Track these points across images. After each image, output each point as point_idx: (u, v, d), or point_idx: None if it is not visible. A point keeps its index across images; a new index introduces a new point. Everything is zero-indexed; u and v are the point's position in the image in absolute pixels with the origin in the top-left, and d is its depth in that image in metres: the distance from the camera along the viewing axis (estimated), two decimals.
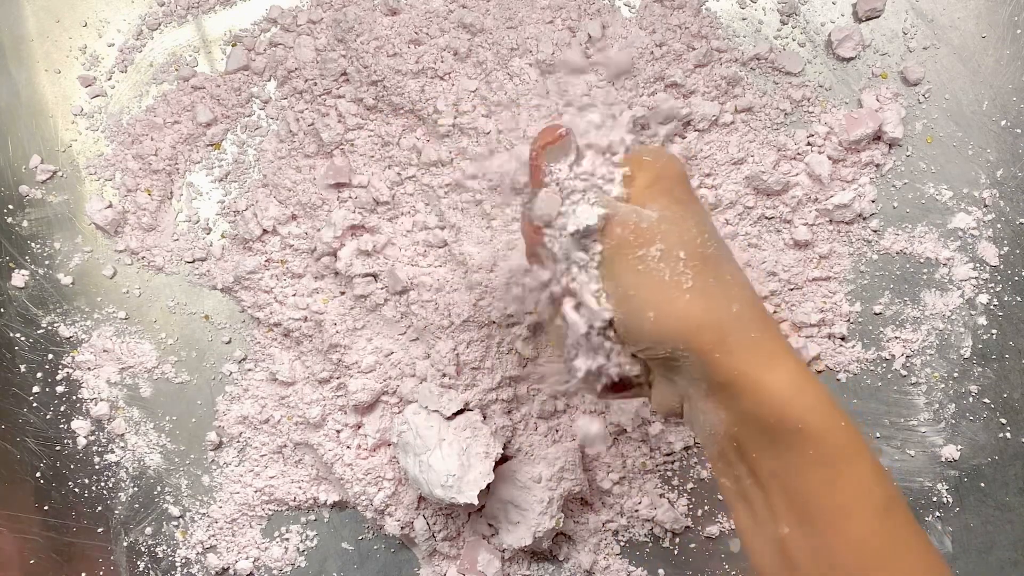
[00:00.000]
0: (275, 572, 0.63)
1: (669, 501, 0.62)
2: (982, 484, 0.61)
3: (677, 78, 0.59)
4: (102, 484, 0.63)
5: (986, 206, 0.61)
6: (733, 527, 0.62)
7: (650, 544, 0.63)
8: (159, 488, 0.63)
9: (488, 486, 0.57)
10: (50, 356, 0.64)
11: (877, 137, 0.61)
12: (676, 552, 0.63)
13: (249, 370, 0.63)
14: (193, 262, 0.64)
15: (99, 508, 0.63)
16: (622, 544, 0.62)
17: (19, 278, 0.64)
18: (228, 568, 0.63)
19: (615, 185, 0.45)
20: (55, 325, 0.64)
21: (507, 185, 0.51)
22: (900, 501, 0.42)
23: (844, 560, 0.41)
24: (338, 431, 0.61)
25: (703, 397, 0.44)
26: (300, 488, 0.63)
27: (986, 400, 0.61)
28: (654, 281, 0.43)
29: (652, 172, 0.45)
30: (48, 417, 0.63)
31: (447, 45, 0.59)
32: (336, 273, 0.60)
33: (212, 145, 0.64)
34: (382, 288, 0.59)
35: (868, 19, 0.62)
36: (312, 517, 0.63)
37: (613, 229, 0.43)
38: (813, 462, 0.41)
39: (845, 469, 0.41)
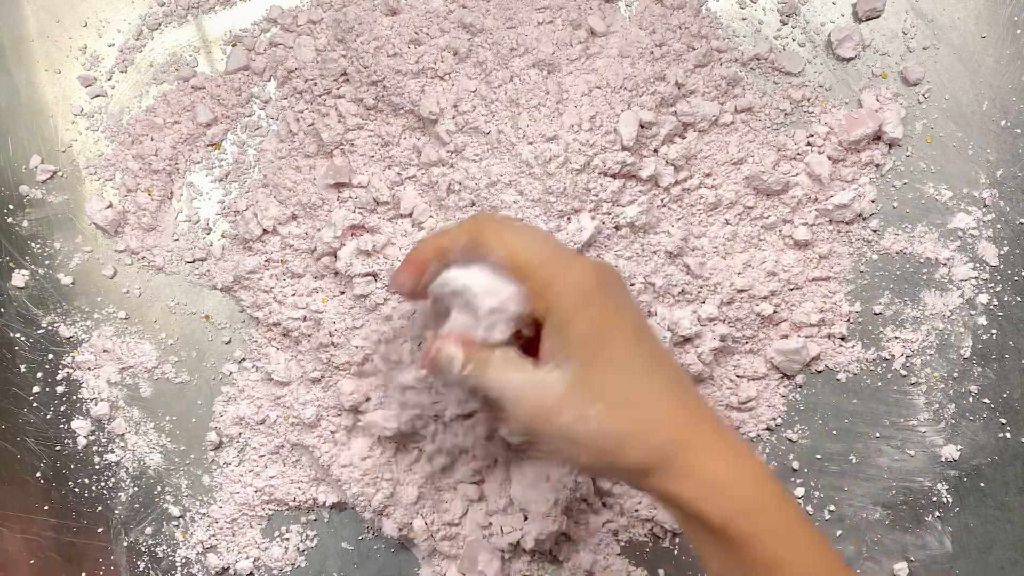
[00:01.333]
0: (275, 572, 0.63)
1: None
2: (982, 484, 0.61)
3: (678, 78, 0.59)
4: (102, 484, 0.63)
5: (986, 206, 0.61)
6: None
7: (650, 544, 0.63)
8: (159, 488, 0.63)
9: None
10: (50, 356, 0.64)
11: (877, 137, 0.61)
12: (676, 552, 0.63)
13: (247, 370, 0.63)
14: (193, 262, 0.64)
15: (99, 508, 0.63)
16: (622, 544, 0.62)
17: (19, 278, 0.64)
18: (228, 568, 0.63)
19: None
20: (55, 325, 0.64)
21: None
22: None
23: None
24: (332, 431, 0.61)
25: (656, 500, 0.47)
26: (299, 488, 0.63)
27: (986, 400, 0.61)
28: (575, 440, 0.44)
29: (559, 298, 0.44)
30: (48, 417, 0.63)
31: (447, 45, 0.59)
32: (336, 273, 0.60)
33: (212, 145, 0.64)
34: (382, 288, 0.59)
35: (868, 19, 0.62)
36: (312, 517, 0.63)
37: (517, 409, 0.45)
38: (750, 566, 0.43)
39: (791, 570, 0.43)
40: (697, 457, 0.44)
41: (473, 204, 0.58)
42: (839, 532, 0.61)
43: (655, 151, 0.59)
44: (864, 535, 0.61)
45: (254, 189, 0.63)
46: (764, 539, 0.43)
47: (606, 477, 0.46)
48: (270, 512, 0.63)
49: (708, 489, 0.43)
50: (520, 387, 0.44)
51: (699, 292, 0.60)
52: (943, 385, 0.61)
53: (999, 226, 0.61)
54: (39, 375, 0.63)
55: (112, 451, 0.63)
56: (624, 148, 0.57)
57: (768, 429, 0.62)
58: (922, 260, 0.62)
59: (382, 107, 0.60)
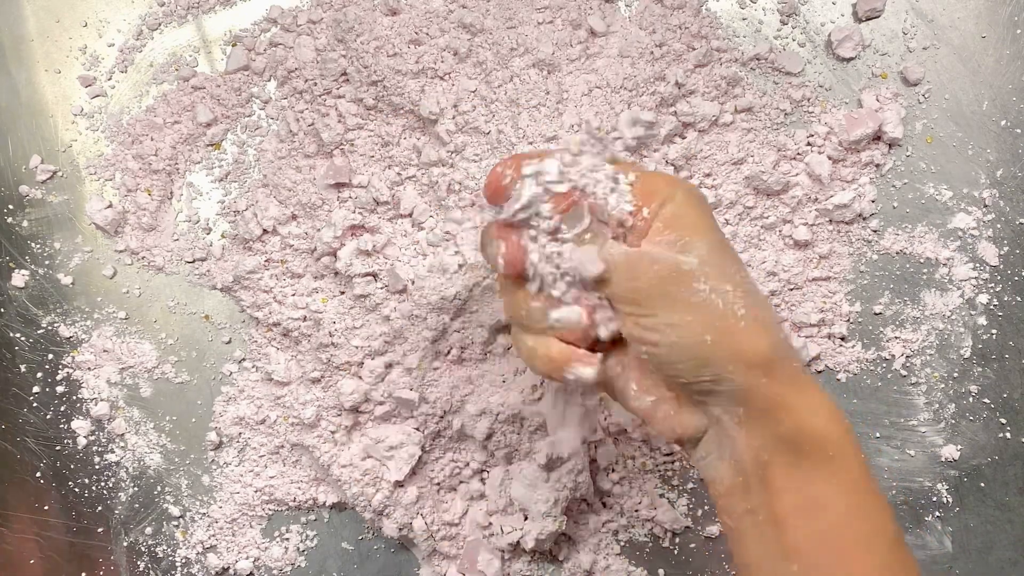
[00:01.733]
0: (275, 572, 0.63)
1: (669, 501, 0.62)
2: (982, 484, 0.61)
3: (678, 78, 0.59)
4: (102, 484, 0.63)
5: (986, 206, 0.61)
6: None
7: (650, 544, 0.63)
8: (159, 488, 0.63)
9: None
10: (50, 356, 0.64)
11: (877, 137, 0.61)
12: (676, 552, 0.63)
13: (247, 370, 0.63)
14: (193, 262, 0.64)
15: (99, 508, 0.63)
16: (622, 544, 0.62)
17: (19, 278, 0.64)
18: (228, 568, 0.63)
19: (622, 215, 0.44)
20: (55, 325, 0.64)
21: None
22: (902, 535, 0.43)
23: None
24: (332, 431, 0.61)
25: (737, 424, 0.44)
26: (299, 488, 0.63)
27: (986, 400, 0.61)
28: (710, 308, 0.43)
29: (676, 207, 0.44)
30: (48, 417, 0.63)
31: (447, 45, 0.59)
32: (336, 273, 0.60)
33: (212, 145, 0.64)
34: (382, 288, 0.59)
35: (868, 19, 0.62)
36: (312, 517, 0.63)
37: (646, 270, 0.43)
38: (843, 490, 0.42)
39: (870, 498, 0.42)
40: (804, 371, 0.44)
41: (473, 204, 0.58)
42: None
43: (655, 151, 0.59)
44: None
45: (254, 189, 0.63)
46: (859, 462, 0.43)
47: (712, 374, 0.43)
48: (270, 512, 0.63)
49: (821, 401, 0.43)
50: (648, 255, 0.44)
51: None
52: (943, 385, 0.61)
53: (999, 226, 0.61)
54: (39, 375, 0.63)
55: (112, 451, 0.63)
56: (624, 148, 0.57)
57: None
58: (922, 260, 0.62)
59: (382, 107, 0.60)
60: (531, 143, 0.57)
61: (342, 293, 0.61)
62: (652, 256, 0.44)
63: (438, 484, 0.62)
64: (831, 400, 0.44)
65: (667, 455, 0.62)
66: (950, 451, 0.61)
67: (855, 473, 0.42)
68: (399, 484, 0.60)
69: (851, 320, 0.62)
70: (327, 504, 0.63)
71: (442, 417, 0.60)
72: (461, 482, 0.61)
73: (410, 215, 0.60)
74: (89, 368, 0.63)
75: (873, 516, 0.42)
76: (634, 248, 0.44)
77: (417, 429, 0.60)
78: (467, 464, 0.62)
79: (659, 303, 0.43)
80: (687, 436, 0.46)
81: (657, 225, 0.44)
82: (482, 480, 0.62)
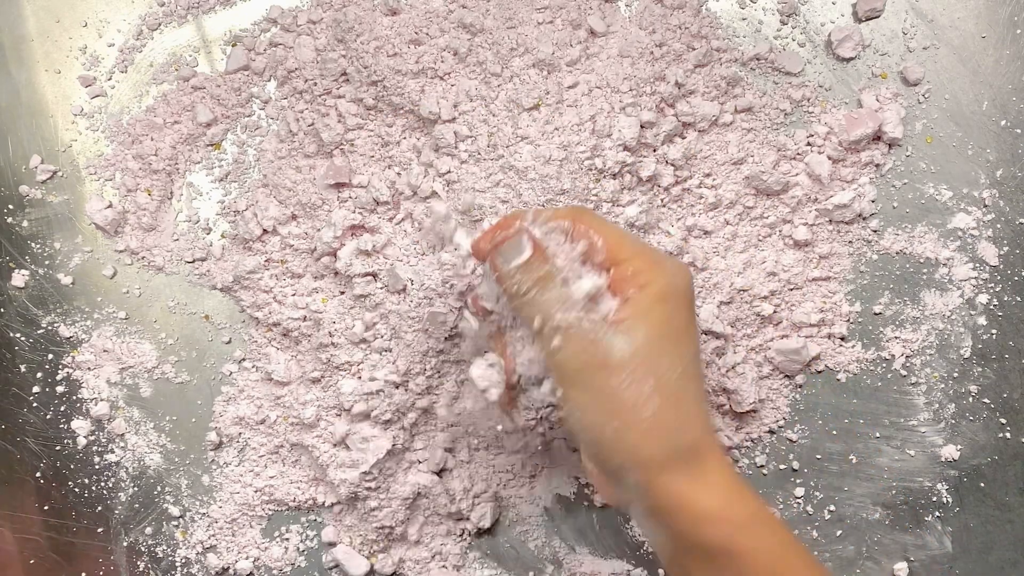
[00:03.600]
0: (275, 572, 0.63)
1: None
2: (982, 484, 0.61)
3: (678, 78, 0.59)
4: (102, 484, 0.63)
5: (986, 206, 0.61)
6: None
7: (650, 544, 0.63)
8: (159, 488, 0.63)
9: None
10: (50, 356, 0.64)
11: (877, 137, 0.61)
12: None
13: (247, 370, 0.63)
14: (193, 262, 0.64)
15: (99, 508, 0.63)
16: (622, 544, 0.63)
17: (19, 278, 0.64)
18: (228, 568, 0.63)
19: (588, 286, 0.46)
20: (55, 325, 0.64)
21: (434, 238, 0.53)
22: None
23: None
24: (332, 432, 0.61)
25: (644, 515, 0.46)
26: (299, 489, 0.63)
27: (986, 400, 0.61)
28: (619, 401, 0.44)
29: (660, 286, 0.46)
30: (48, 417, 0.63)
31: (447, 45, 0.59)
32: (336, 273, 0.60)
33: (212, 145, 0.64)
34: (382, 288, 0.59)
35: (868, 19, 0.62)
36: (312, 517, 0.63)
37: (576, 346, 0.45)
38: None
39: None
40: (714, 466, 0.45)
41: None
42: (839, 532, 0.61)
43: (655, 151, 0.59)
44: (864, 535, 0.61)
45: (254, 189, 0.63)
46: (768, 554, 0.44)
47: (613, 464, 0.45)
48: (270, 512, 0.63)
49: (723, 496, 0.44)
50: (587, 328, 0.44)
51: (699, 292, 0.60)
52: (943, 385, 0.61)
53: (999, 226, 0.61)
54: (39, 375, 0.63)
55: (112, 451, 0.63)
56: (624, 148, 0.57)
57: (770, 431, 0.62)
58: (922, 260, 0.62)
59: (382, 107, 0.61)
60: (531, 143, 0.57)
61: (342, 293, 0.61)
62: (585, 333, 0.45)
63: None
64: (732, 494, 0.45)
65: None
66: (950, 451, 0.61)
67: (758, 566, 0.44)
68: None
69: (851, 320, 0.62)
70: (327, 504, 0.63)
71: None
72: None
73: (410, 215, 0.60)
74: (89, 368, 0.63)
75: None
76: (577, 325, 0.45)
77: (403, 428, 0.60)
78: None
79: (575, 381, 0.45)
80: (615, 505, 0.48)
81: (617, 312, 0.45)
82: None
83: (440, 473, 0.62)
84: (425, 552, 0.62)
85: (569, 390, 0.45)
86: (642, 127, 0.58)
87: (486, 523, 0.62)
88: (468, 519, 0.62)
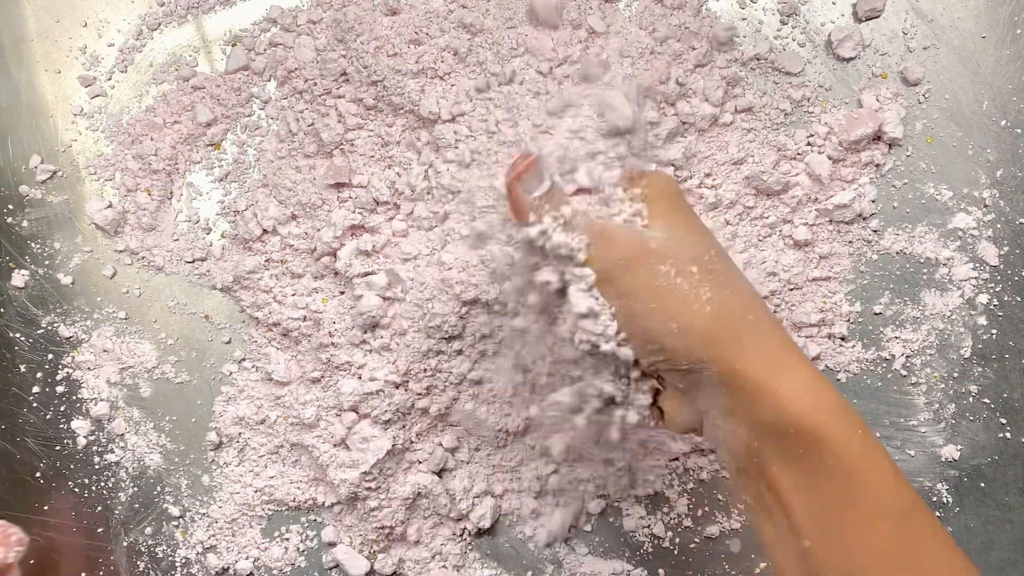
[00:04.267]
0: (275, 572, 0.63)
1: (669, 501, 0.62)
2: (982, 484, 0.61)
3: (678, 77, 0.59)
4: (102, 484, 0.63)
5: (986, 206, 0.61)
6: (733, 527, 0.62)
7: (650, 544, 0.63)
8: (159, 488, 0.63)
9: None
10: (50, 356, 0.64)
11: (877, 137, 0.61)
12: (676, 552, 0.63)
13: (247, 370, 0.63)
14: (193, 262, 0.64)
15: (99, 508, 0.63)
16: (622, 544, 0.63)
17: (19, 278, 0.64)
18: (228, 568, 0.63)
19: (617, 204, 0.45)
20: (55, 325, 0.64)
21: (474, 200, 0.52)
22: (921, 506, 0.42)
23: (868, 569, 0.40)
24: (332, 432, 0.61)
25: (723, 413, 0.43)
26: (299, 489, 0.63)
27: (986, 400, 0.61)
28: (673, 294, 0.42)
29: (650, 191, 0.45)
30: (48, 417, 0.63)
31: (447, 45, 0.59)
32: (336, 273, 0.60)
33: (212, 145, 0.64)
34: (384, 287, 0.59)
35: (868, 19, 0.62)
36: (312, 517, 0.63)
37: (614, 249, 0.43)
38: (832, 471, 0.41)
39: (865, 476, 0.41)
40: (790, 349, 0.43)
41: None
42: None
43: (656, 151, 0.59)
44: None
45: (254, 189, 0.63)
46: (852, 446, 0.41)
47: (678, 356, 0.43)
48: (270, 512, 0.63)
49: (807, 381, 0.42)
50: (620, 226, 0.44)
51: None
52: (943, 385, 0.61)
53: (999, 226, 0.61)
54: (39, 375, 0.63)
55: (112, 451, 0.63)
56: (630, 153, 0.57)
57: None
58: (922, 260, 0.62)
59: (382, 107, 0.61)
60: (527, 144, 0.57)
61: (342, 293, 0.61)
62: (622, 230, 0.43)
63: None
64: (816, 381, 0.42)
65: (673, 459, 0.62)
66: (950, 451, 0.61)
67: (845, 453, 0.41)
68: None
69: (851, 320, 0.62)
70: (327, 504, 0.63)
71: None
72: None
73: (410, 214, 0.60)
74: (89, 368, 0.63)
75: (871, 495, 0.41)
76: (616, 226, 0.44)
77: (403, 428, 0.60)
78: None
79: (628, 284, 0.43)
80: (678, 429, 0.46)
81: (629, 205, 0.44)
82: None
83: (440, 473, 0.62)
84: (425, 552, 0.62)
85: (621, 298, 0.43)
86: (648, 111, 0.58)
87: (486, 523, 0.62)
88: (468, 519, 0.62)
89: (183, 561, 0.63)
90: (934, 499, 0.61)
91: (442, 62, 0.59)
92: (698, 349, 0.42)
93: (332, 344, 0.60)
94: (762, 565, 0.62)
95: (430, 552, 0.62)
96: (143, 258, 0.64)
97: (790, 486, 0.42)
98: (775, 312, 0.61)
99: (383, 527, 0.61)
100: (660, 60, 0.59)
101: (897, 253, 0.62)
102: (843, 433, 0.41)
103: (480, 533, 0.63)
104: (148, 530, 0.63)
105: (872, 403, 0.62)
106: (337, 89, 0.61)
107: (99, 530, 0.63)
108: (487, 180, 0.53)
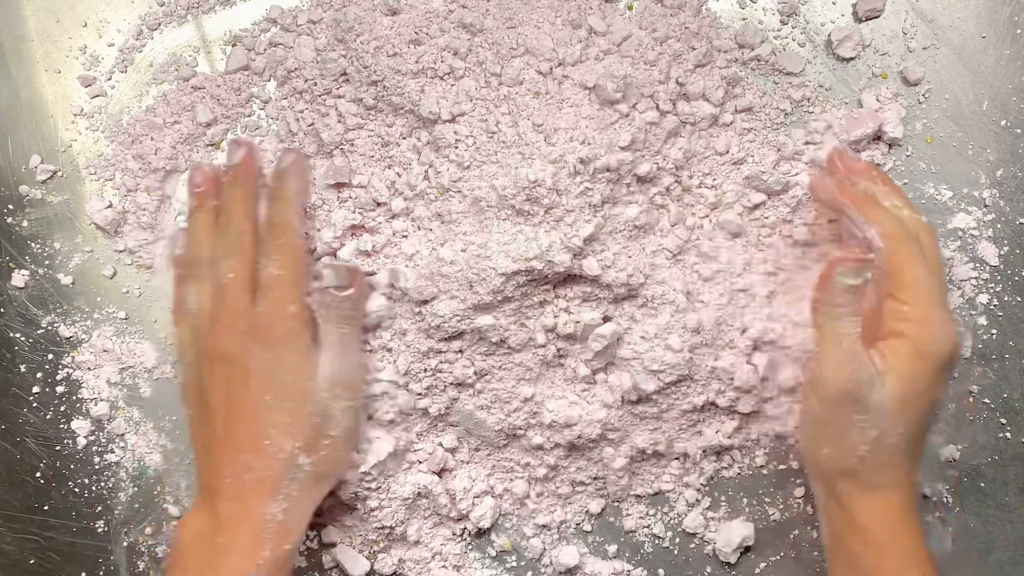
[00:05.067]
0: None
1: (670, 500, 0.62)
2: (982, 484, 0.61)
3: (678, 77, 0.59)
4: (102, 484, 0.63)
5: (986, 206, 0.61)
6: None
7: (650, 544, 0.63)
8: (159, 488, 0.63)
9: None
10: (50, 356, 0.64)
11: (877, 137, 0.61)
12: (676, 552, 0.63)
13: None
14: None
15: (99, 508, 0.63)
16: (622, 544, 0.63)
17: (19, 278, 0.64)
18: None
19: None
20: (55, 325, 0.64)
21: None
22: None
23: None
24: None
25: (822, 507, 0.55)
26: None
27: (986, 400, 0.61)
28: (843, 434, 0.51)
29: (924, 343, 0.51)
30: (48, 417, 0.63)
31: (447, 45, 0.59)
32: None
33: (212, 145, 0.64)
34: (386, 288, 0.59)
35: (868, 19, 0.62)
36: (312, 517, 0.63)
37: (844, 369, 0.51)
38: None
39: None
40: (893, 499, 0.52)
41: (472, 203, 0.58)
42: None
43: (656, 151, 0.59)
44: None
45: None
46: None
47: (813, 470, 0.55)
48: None
49: (888, 527, 0.51)
50: (854, 356, 0.51)
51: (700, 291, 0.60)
52: None
53: (999, 226, 0.61)
54: (39, 375, 0.63)
55: (112, 451, 0.63)
56: (623, 148, 0.57)
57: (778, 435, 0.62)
58: None
59: (382, 107, 0.60)
60: (527, 145, 0.57)
61: None
62: (854, 369, 0.50)
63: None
64: (892, 526, 0.51)
65: (675, 459, 0.62)
66: (950, 451, 0.61)
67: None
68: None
69: None
70: (327, 505, 0.63)
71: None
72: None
73: (410, 214, 0.60)
74: (89, 368, 0.63)
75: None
76: (861, 348, 0.51)
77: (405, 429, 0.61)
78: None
79: (832, 400, 0.51)
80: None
81: (887, 356, 0.51)
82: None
83: (440, 473, 0.62)
84: (425, 552, 0.62)
85: (821, 404, 0.52)
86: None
87: (486, 523, 0.62)
88: (468, 519, 0.62)
89: None
90: (934, 499, 0.61)
91: (442, 62, 0.59)
92: (827, 474, 0.53)
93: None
94: (762, 565, 0.62)
95: (430, 552, 0.62)
96: (143, 258, 0.64)
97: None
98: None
99: (383, 527, 0.61)
100: (661, 60, 0.59)
101: None
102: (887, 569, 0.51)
103: (480, 533, 0.63)
104: (148, 530, 0.63)
105: None
106: (337, 89, 0.61)
107: (99, 530, 0.63)
108: None
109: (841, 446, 0.51)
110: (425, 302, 0.57)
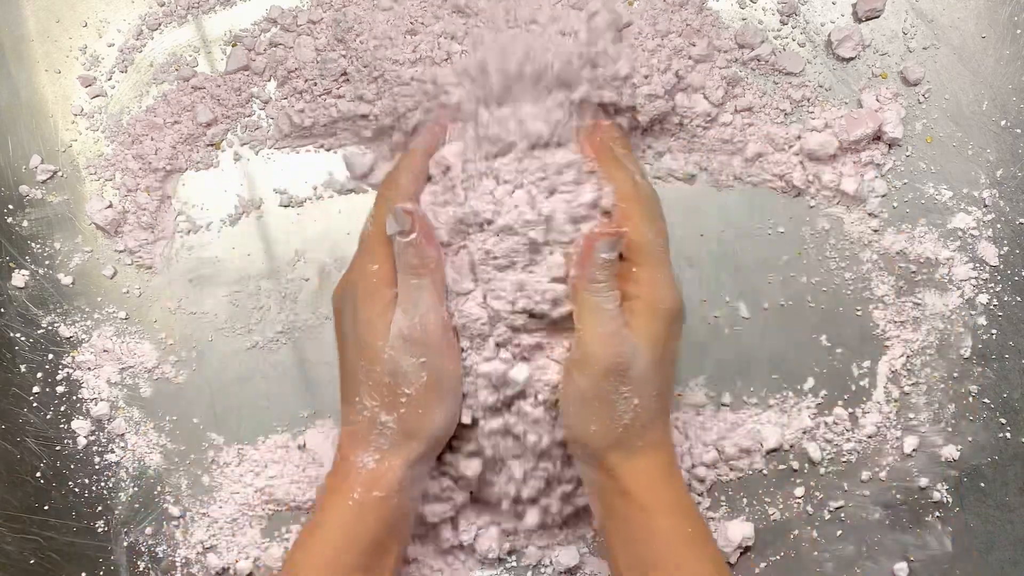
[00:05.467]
0: (275, 572, 0.63)
1: None
2: (982, 484, 0.61)
3: (678, 70, 0.59)
4: (102, 484, 0.63)
5: (986, 206, 0.61)
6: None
7: None
8: (159, 488, 0.63)
9: None
10: (50, 356, 0.64)
11: (877, 137, 0.61)
12: None
13: None
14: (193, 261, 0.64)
15: (99, 508, 0.63)
16: None
17: (19, 278, 0.64)
18: (228, 568, 0.63)
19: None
20: (55, 325, 0.64)
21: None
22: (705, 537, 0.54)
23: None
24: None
25: (585, 476, 0.56)
26: (299, 489, 0.63)
27: (986, 400, 0.61)
28: (607, 407, 0.52)
29: (668, 306, 0.52)
30: (48, 417, 0.63)
31: (443, 31, 0.59)
32: None
33: (212, 145, 0.64)
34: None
35: (868, 19, 0.62)
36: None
37: (605, 342, 0.51)
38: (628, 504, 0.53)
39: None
40: (651, 459, 0.54)
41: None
42: (839, 532, 0.61)
43: (658, 152, 0.59)
44: (864, 535, 0.61)
45: None
46: (679, 534, 0.53)
47: (576, 447, 0.54)
48: (270, 512, 0.63)
49: (646, 481, 0.53)
50: (612, 333, 0.51)
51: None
52: (943, 385, 0.61)
53: (999, 226, 0.61)
54: (39, 375, 0.63)
55: (112, 451, 0.63)
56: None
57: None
58: (922, 260, 0.62)
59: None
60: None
61: None
62: (612, 335, 0.51)
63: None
64: (650, 481, 0.53)
65: None
66: (950, 451, 0.61)
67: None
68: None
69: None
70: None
71: None
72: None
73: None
74: (89, 368, 0.63)
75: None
76: (622, 321, 0.52)
77: None
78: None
79: (593, 380, 0.52)
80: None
81: (637, 308, 0.52)
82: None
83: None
84: (425, 568, 0.62)
85: (589, 381, 0.52)
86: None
87: (493, 555, 0.61)
88: (474, 550, 0.61)
89: (183, 561, 0.63)
90: (934, 499, 0.61)
91: (439, 48, 0.59)
92: (592, 446, 0.53)
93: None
94: (762, 565, 0.62)
95: (429, 568, 0.62)
96: (142, 258, 0.64)
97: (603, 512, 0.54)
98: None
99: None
100: (661, 51, 0.59)
101: (897, 253, 0.62)
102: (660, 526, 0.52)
103: (485, 560, 0.62)
104: (148, 530, 0.63)
105: None
106: (337, 89, 0.61)
107: (99, 530, 0.63)
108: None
109: (608, 419, 0.51)
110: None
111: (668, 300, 0.52)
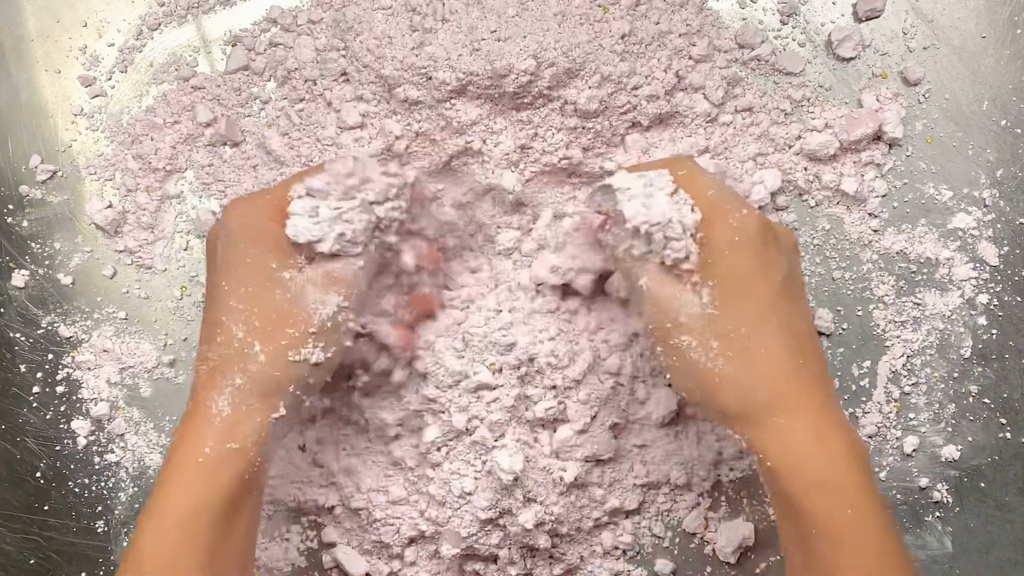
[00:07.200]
0: (275, 572, 0.63)
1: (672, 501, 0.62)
2: (982, 484, 0.61)
3: (679, 70, 0.59)
4: (102, 484, 0.63)
5: (986, 206, 0.61)
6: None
7: (650, 544, 0.63)
8: None
9: None
10: (50, 356, 0.64)
11: (877, 137, 0.61)
12: (676, 552, 0.63)
13: None
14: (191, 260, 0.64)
15: (99, 508, 0.63)
16: (623, 545, 0.63)
17: (19, 278, 0.64)
18: None
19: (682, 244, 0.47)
20: (55, 325, 0.64)
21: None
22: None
23: None
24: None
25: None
26: (299, 489, 0.62)
27: (986, 400, 0.61)
28: (691, 361, 0.47)
29: (727, 233, 0.47)
30: (48, 417, 0.63)
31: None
32: None
33: (212, 145, 0.64)
34: None
35: (868, 19, 0.62)
36: (312, 517, 0.63)
37: (653, 309, 0.48)
38: (817, 536, 0.45)
39: (848, 550, 0.44)
40: (789, 424, 0.46)
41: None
42: None
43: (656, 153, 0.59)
44: None
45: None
46: (834, 517, 0.44)
47: (699, 406, 0.49)
48: (270, 512, 0.63)
49: (791, 456, 0.45)
50: (668, 295, 0.47)
51: None
52: (943, 385, 0.61)
53: (999, 226, 0.61)
54: (39, 375, 0.64)
55: (112, 451, 0.63)
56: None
57: None
58: (922, 260, 0.62)
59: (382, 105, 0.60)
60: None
61: None
62: (664, 297, 0.47)
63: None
64: (817, 447, 0.46)
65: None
66: (950, 451, 0.61)
67: (834, 527, 0.45)
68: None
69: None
70: (327, 505, 0.63)
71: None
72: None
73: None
74: (89, 368, 0.63)
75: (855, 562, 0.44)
76: (665, 282, 0.47)
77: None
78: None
79: (661, 341, 0.48)
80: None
81: (700, 264, 0.47)
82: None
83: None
84: (423, 573, 0.61)
85: (664, 344, 0.48)
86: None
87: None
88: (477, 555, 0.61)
89: None
90: (934, 499, 0.61)
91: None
92: (707, 409, 0.48)
93: None
94: (762, 565, 0.62)
95: (428, 572, 0.62)
96: (143, 258, 0.64)
97: (787, 543, 0.48)
98: None
99: (381, 543, 0.60)
100: (661, 51, 0.59)
101: (897, 253, 0.62)
102: (826, 510, 0.45)
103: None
104: None
105: None
106: (337, 89, 0.61)
107: (99, 530, 0.63)
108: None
109: (709, 379, 0.47)
110: None
111: (742, 227, 0.46)
